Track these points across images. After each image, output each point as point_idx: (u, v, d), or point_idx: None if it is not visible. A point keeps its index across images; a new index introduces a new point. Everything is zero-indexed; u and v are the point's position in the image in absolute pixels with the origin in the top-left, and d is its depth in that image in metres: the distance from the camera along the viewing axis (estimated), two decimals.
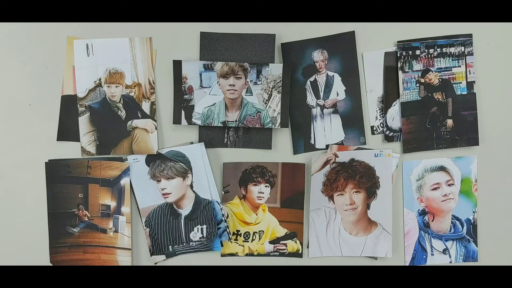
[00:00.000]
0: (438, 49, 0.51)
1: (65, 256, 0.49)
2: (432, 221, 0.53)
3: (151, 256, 0.50)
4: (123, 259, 0.49)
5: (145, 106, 0.49)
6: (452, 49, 0.51)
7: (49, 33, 0.48)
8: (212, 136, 0.51)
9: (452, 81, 0.51)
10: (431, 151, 0.52)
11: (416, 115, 0.51)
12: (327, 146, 0.52)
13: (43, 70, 0.48)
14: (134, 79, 0.49)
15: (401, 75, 0.51)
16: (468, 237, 0.53)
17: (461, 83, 0.51)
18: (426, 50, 0.50)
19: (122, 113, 0.49)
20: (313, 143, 0.52)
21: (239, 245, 0.52)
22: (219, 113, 0.50)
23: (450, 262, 0.53)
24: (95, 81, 0.48)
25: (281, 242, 0.53)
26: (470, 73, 0.51)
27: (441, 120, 0.52)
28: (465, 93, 0.52)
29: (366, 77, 0.51)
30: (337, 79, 0.51)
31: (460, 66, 0.51)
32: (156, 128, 0.49)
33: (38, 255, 0.49)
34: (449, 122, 0.52)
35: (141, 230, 0.50)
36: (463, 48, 0.51)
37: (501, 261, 0.54)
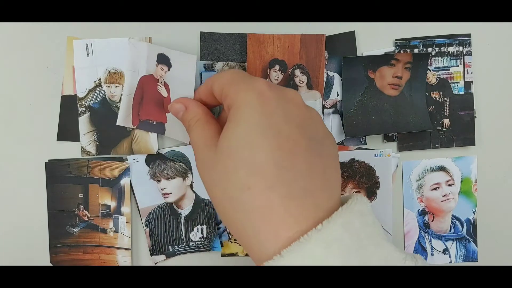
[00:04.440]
0: (437, 48, 0.51)
1: (65, 256, 0.49)
2: (432, 221, 0.53)
3: (151, 256, 0.50)
4: (123, 259, 0.49)
5: None
6: (451, 49, 0.51)
7: (49, 33, 0.48)
8: None
9: (449, 81, 0.52)
10: (430, 151, 0.52)
11: None
12: None
13: (43, 70, 0.48)
14: None
15: None
16: (468, 237, 0.53)
17: (458, 82, 0.52)
18: (424, 49, 0.51)
19: None
20: None
21: (239, 245, 0.51)
22: (219, 113, 0.50)
23: (450, 262, 0.53)
24: (95, 81, 0.48)
25: None
26: (468, 73, 0.52)
27: (438, 120, 0.52)
28: (463, 92, 0.52)
29: None
30: (337, 79, 0.51)
31: (458, 66, 0.51)
32: None
33: (38, 255, 0.49)
34: (446, 121, 0.52)
35: (141, 230, 0.50)
36: (461, 47, 0.51)
37: (501, 261, 0.54)
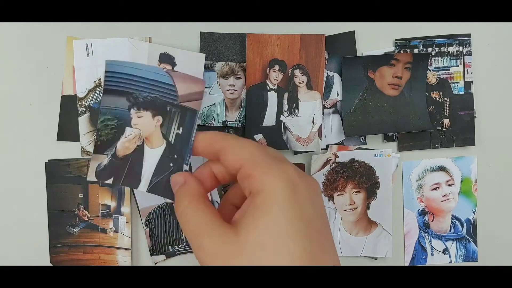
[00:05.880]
0: (436, 48, 0.51)
1: (65, 256, 0.49)
2: (432, 221, 0.53)
3: (151, 256, 0.50)
4: (123, 259, 0.49)
5: None
6: (451, 49, 0.51)
7: (49, 33, 0.48)
8: None
9: (449, 81, 0.52)
10: (430, 151, 0.52)
11: None
12: (327, 146, 0.52)
13: (43, 70, 0.48)
14: None
15: None
16: (468, 237, 0.53)
17: (458, 82, 0.52)
18: (424, 49, 0.51)
19: None
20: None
21: None
22: (218, 113, 0.50)
23: (450, 262, 0.53)
24: (94, 81, 0.48)
25: None
26: (467, 73, 0.52)
27: (438, 120, 0.52)
28: (463, 92, 0.52)
29: None
30: (337, 79, 0.51)
31: (458, 66, 0.51)
32: None
33: (38, 255, 0.49)
34: (446, 121, 0.52)
35: (141, 230, 0.50)
36: (461, 47, 0.51)
37: (501, 261, 0.54)
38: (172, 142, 0.42)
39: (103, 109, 0.41)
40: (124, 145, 0.41)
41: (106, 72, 0.40)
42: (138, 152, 0.42)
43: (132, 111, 0.41)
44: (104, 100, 0.41)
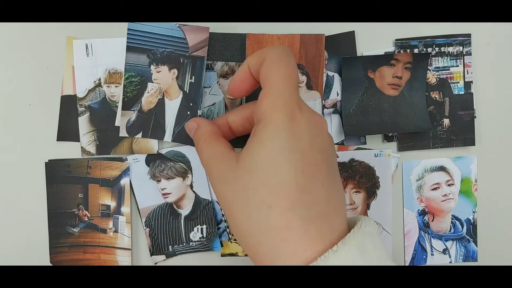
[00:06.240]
0: (436, 48, 0.51)
1: (65, 256, 0.49)
2: (432, 221, 0.53)
3: (151, 256, 0.50)
4: (123, 259, 0.49)
5: None
6: (451, 49, 0.51)
7: (49, 33, 0.48)
8: None
9: (449, 81, 0.52)
10: (430, 151, 0.52)
11: None
12: None
13: (43, 70, 0.48)
14: None
15: None
16: (468, 237, 0.53)
17: (458, 82, 0.52)
18: (424, 49, 0.51)
19: None
20: None
21: (239, 245, 0.51)
22: (218, 113, 0.50)
23: (450, 262, 0.53)
24: (94, 81, 0.48)
25: None
26: (467, 73, 0.52)
27: (438, 120, 0.52)
28: (462, 93, 0.52)
29: None
30: (337, 79, 0.51)
31: (458, 66, 0.51)
32: None
33: (38, 255, 0.49)
34: (446, 121, 0.52)
35: (141, 230, 0.50)
36: (461, 47, 0.51)
37: (501, 261, 0.54)
38: (187, 92, 0.46)
39: (126, 66, 0.46)
40: (148, 99, 0.46)
41: (128, 30, 0.46)
42: (160, 105, 0.46)
43: (152, 67, 0.46)
44: (127, 57, 0.46)
